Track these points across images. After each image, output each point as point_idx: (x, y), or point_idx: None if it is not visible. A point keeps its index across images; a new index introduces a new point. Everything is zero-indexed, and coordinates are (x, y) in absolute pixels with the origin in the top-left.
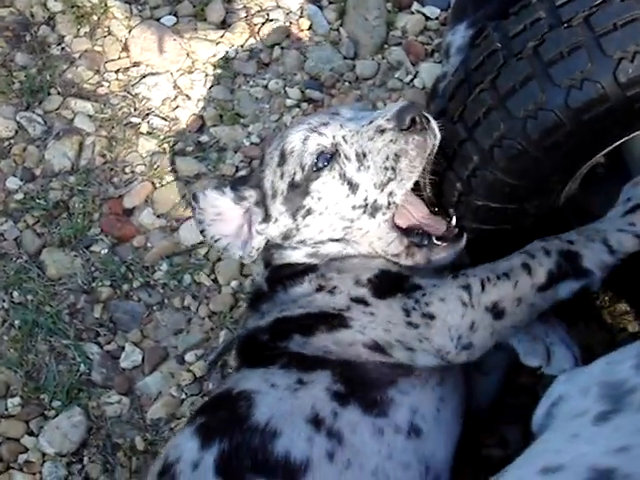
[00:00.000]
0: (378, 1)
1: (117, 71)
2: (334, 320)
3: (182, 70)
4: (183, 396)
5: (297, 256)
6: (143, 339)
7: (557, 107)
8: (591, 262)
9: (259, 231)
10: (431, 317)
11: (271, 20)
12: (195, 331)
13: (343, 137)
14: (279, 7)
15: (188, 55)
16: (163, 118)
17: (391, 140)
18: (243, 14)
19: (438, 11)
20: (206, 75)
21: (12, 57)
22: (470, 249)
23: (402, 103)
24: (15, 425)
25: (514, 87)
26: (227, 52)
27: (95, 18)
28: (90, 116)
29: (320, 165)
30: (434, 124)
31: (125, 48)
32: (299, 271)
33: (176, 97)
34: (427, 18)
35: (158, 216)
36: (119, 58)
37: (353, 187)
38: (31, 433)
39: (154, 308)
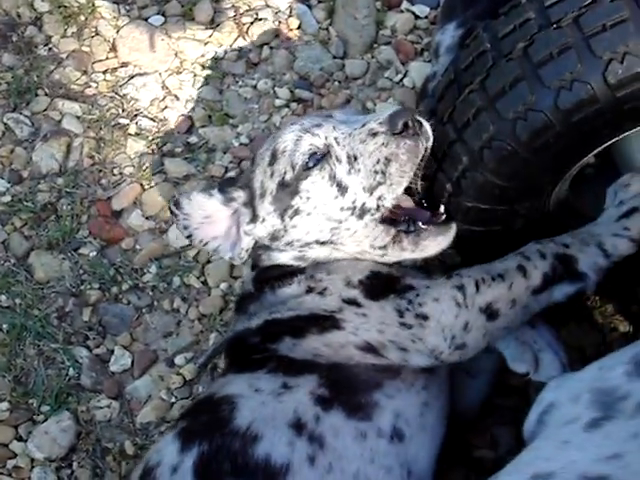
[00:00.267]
0: (367, 0)
1: (105, 72)
2: (326, 322)
3: (170, 70)
4: (173, 399)
5: (284, 259)
6: (132, 342)
7: (547, 108)
8: (586, 266)
9: (247, 232)
10: (425, 317)
11: (260, 19)
12: (185, 334)
13: (335, 139)
14: (268, 6)
15: (176, 55)
16: (151, 119)
17: (383, 144)
18: (232, 13)
19: (428, 10)
20: (195, 75)
21: None
22: (461, 250)
23: (395, 107)
24: (3, 430)
25: (503, 88)
26: (216, 52)
27: (82, 18)
28: (78, 117)
29: (311, 165)
30: (427, 128)
31: (113, 48)
32: (287, 272)
33: (164, 98)
34: (417, 17)
35: (147, 218)
36: (107, 58)
37: (342, 189)
38: (20, 438)
39: (143, 311)
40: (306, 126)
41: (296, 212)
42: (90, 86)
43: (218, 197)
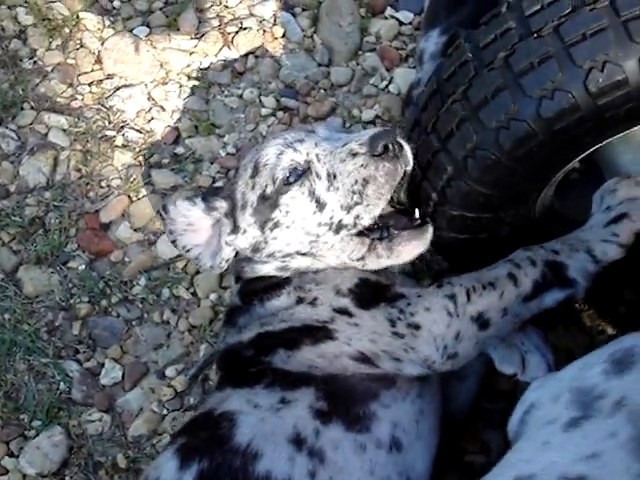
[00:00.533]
0: (351, 7)
1: (90, 84)
2: (319, 332)
3: (156, 81)
4: (164, 412)
5: (267, 270)
6: (123, 355)
7: (529, 117)
8: (576, 272)
9: (228, 242)
10: (417, 327)
11: (244, 29)
12: (175, 345)
13: (317, 155)
14: (252, 15)
15: (162, 66)
16: (138, 130)
17: (362, 165)
18: (216, 23)
19: (412, 16)
20: (180, 86)
21: None
22: (448, 258)
23: (377, 129)
24: None
25: (486, 98)
26: (201, 62)
27: (67, 31)
28: (64, 130)
29: (291, 180)
30: (407, 152)
31: (98, 60)
32: (274, 284)
33: (150, 109)
34: (401, 23)
35: (135, 230)
36: (92, 70)
37: (320, 205)
38: (11, 454)
39: (133, 323)
40: (289, 141)
41: (276, 225)
42: (76, 99)
43: (201, 206)
